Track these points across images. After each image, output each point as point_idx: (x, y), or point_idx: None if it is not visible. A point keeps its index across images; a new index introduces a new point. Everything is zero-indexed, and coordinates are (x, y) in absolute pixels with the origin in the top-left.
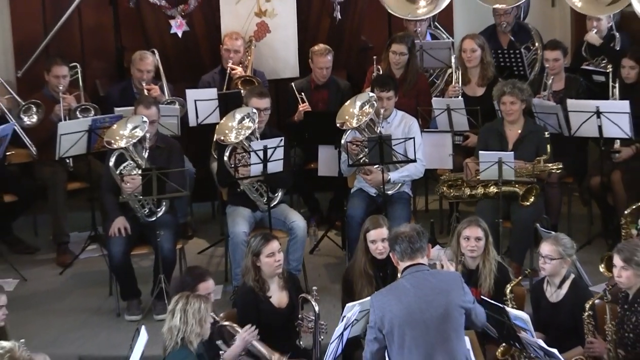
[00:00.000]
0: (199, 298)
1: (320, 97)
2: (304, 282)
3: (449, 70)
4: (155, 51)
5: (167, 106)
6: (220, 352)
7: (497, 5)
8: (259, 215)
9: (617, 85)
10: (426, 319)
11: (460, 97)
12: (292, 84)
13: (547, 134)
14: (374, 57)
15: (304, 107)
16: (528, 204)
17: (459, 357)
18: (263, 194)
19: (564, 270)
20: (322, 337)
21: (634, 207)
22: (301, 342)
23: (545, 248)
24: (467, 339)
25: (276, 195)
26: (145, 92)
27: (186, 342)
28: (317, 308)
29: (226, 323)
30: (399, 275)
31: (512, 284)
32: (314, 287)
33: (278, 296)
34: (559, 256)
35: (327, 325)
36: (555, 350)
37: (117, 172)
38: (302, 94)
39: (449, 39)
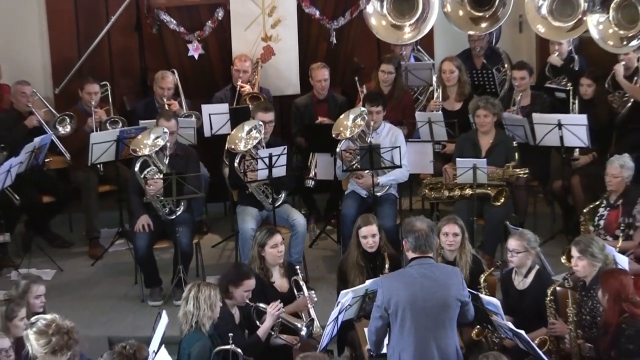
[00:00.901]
0: (209, 286)
1: (322, 111)
2: (305, 271)
3: (431, 88)
4: (175, 71)
5: (184, 119)
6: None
7: (471, 32)
8: (265, 213)
9: (576, 101)
10: (427, 307)
11: (440, 111)
12: (295, 101)
13: (515, 143)
14: (356, 78)
15: (323, 120)
16: (499, 204)
17: (450, 343)
18: (268, 195)
19: (529, 261)
20: (314, 296)
21: (590, 206)
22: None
23: (512, 243)
24: None
25: (280, 196)
26: (166, 106)
27: (200, 325)
28: (305, 288)
29: (259, 305)
30: (405, 263)
31: (485, 274)
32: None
33: (280, 282)
34: (524, 249)
35: (315, 293)
36: (522, 331)
37: (142, 176)
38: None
39: (430, 60)
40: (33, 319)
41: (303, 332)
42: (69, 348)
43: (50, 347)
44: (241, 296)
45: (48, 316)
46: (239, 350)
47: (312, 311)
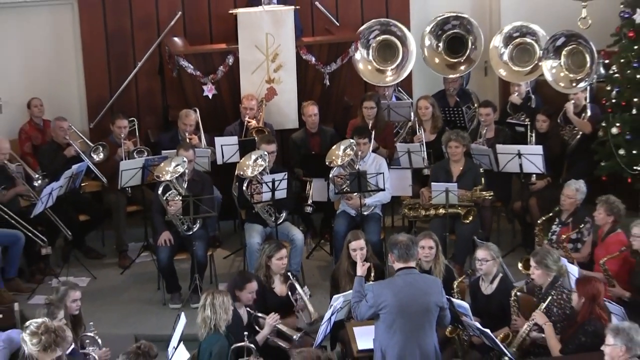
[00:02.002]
0: (222, 293)
1: (315, 143)
2: (302, 279)
3: (409, 123)
4: (197, 110)
5: (201, 149)
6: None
7: (451, 75)
8: (269, 230)
9: (533, 134)
10: (411, 311)
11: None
12: (292, 136)
13: (481, 170)
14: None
15: None
16: (467, 221)
17: (429, 342)
18: (272, 214)
19: (495, 269)
20: (307, 292)
21: (543, 218)
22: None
23: (481, 253)
24: None
25: (281, 215)
26: (188, 140)
27: (217, 327)
28: (298, 286)
29: (257, 314)
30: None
31: (457, 281)
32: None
33: (279, 288)
34: (492, 258)
35: (310, 289)
36: (488, 330)
37: (164, 198)
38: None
39: (409, 99)
40: (27, 323)
41: (295, 338)
42: (57, 344)
43: (41, 345)
44: (247, 298)
45: (39, 319)
46: (252, 346)
47: (309, 305)
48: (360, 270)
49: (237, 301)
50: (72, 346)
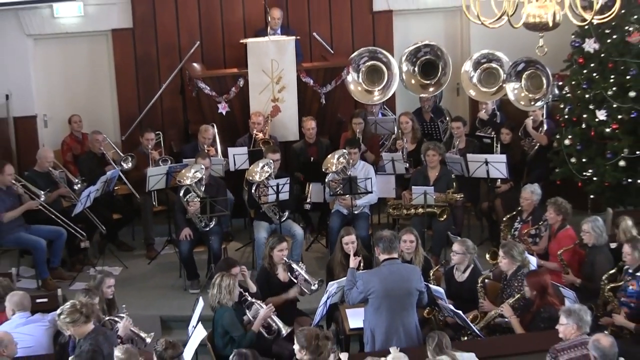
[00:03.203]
0: (230, 276)
1: (313, 152)
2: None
3: (393, 135)
4: (214, 125)
5: (216, 158)
6: (245, 317)
7: (423, 95)
8: (274, 226)
9: (498, 145)
10: (396, 295)
11: (401, 151)
12: (294, 145)
13: (454, 176)
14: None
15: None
16: (442, 219)
17: (411, 321)
18: (276, 213)
19: (467, 260)
20: (303, 267)
21: (508, 216)
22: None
23: (456, 246)
24: None
25: (284, 214)
26: (206, 151)
27: (222, 303)
28: (294, 265)
29: (254, 300)
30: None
31: (434, 270)
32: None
33: (282, 275)
34: (462, 252)
35: (305, 265)
36: (460, 312)
37: (185, 199)
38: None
39: (393, 115)
40: (58, 311)
41: (283, 332)
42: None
43: (83, 317)
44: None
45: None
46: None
47: (306, 276)
48: (353, 262)
49: None
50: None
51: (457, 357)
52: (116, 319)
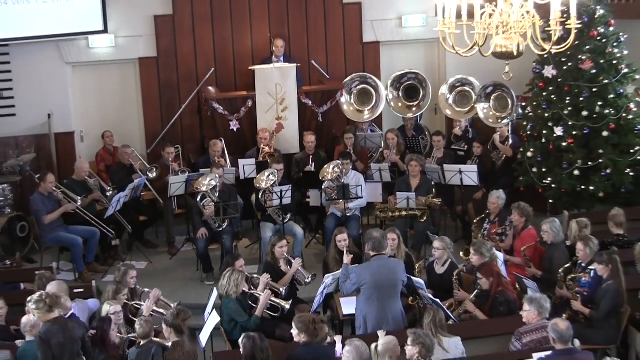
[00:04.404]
0: (238, 272)
1: (311, 162)
2: (303, 263)
3: (380, 149)
4: (222, 139)
5: (228, 168)
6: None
7: (409, 115)
8: (278, 227)
9: (476, 157)
10: (384, 285)
11: (388, 162)
12: (295, 156)
13: (433, 183)
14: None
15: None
16: (423, 221)
17: (397, 307)
18: (280, 216)
19: (446, 256)
20: (301, 261)
21: (478, 218)
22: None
23: (437, 244)
24: None
25: (287, 216)
26: (217, 161)
27: (229, 294)
28: (292, 260)
29: (253, 291)
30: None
31: (418, 265)
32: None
33: (284, 267)
34: (443, 248)
35: (308, 277)
36: (438, 300)
37: (201, 204)
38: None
39: (380, 131)
40: (28, 298)
41: (287, 307)
42: (58, 305)
43: (47, 306)
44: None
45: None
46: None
47: (301, 269)
48: (347, 259)
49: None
50: (71, 311)
51: (444, 341)
52: (139, 304)
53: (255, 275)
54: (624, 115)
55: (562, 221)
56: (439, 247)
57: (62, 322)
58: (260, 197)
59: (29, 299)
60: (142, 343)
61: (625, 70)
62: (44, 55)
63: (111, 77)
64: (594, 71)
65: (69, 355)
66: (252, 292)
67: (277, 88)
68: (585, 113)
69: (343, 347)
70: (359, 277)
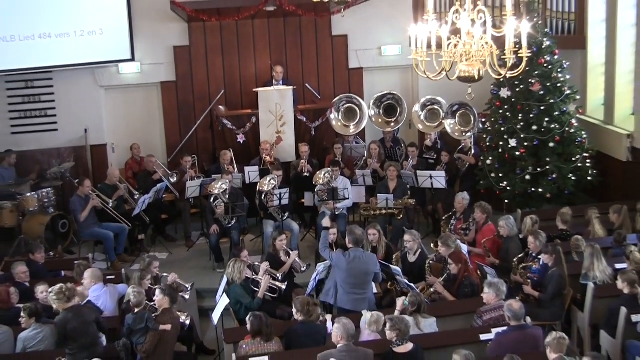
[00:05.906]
0: (241, 262)
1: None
2: (299, 254)
3: (364, 158)
4: (231, 150)
5: (236, 174)
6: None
7: (387, 130)
8: (278, 224)
9: (444, 164)
10: (357, 274)
11: (370, 169)
12: (292, 163)
13: (408, 186)
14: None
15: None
16: (399, 218)
17: (370, 293)
18: (279, 214)
19: (416, 247)
20: (297, 253)
21: (446, 216)
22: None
23: (407, 237)
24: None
25: (285, 214)
26: (226, 169)
27: (234, 280)
28: (290, 252)
29: (254, 277)
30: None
31: (395, 255)
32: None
33: (284, 258)
34: (412, 240)
35: (303, 265)
36: (412, 285)
37: (213, 204)
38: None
39: (363, 143)
40: (50, 289)
41: (283, 287)
42: (74, 296)
43: (65, 297)
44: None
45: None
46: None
47: (298, 260)
48: (326, 222)
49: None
50: (87, 298)
51: (421, 322)
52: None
53: (257, 263)
54: (567, 129)
55: (516, 218)
56: (409, 240)
57: (76, 309)
58: (262, 198)
59: (49, 289)
60: (136, 310)
61: (568, 92)
62: (81, 80)
63: (137, 98)
64: (542, 92)
65: (84, 336)
66: (254, 277)
67: (276, 107)
68: (535, 127)
69: (333, 324)
70: (336, 260)
